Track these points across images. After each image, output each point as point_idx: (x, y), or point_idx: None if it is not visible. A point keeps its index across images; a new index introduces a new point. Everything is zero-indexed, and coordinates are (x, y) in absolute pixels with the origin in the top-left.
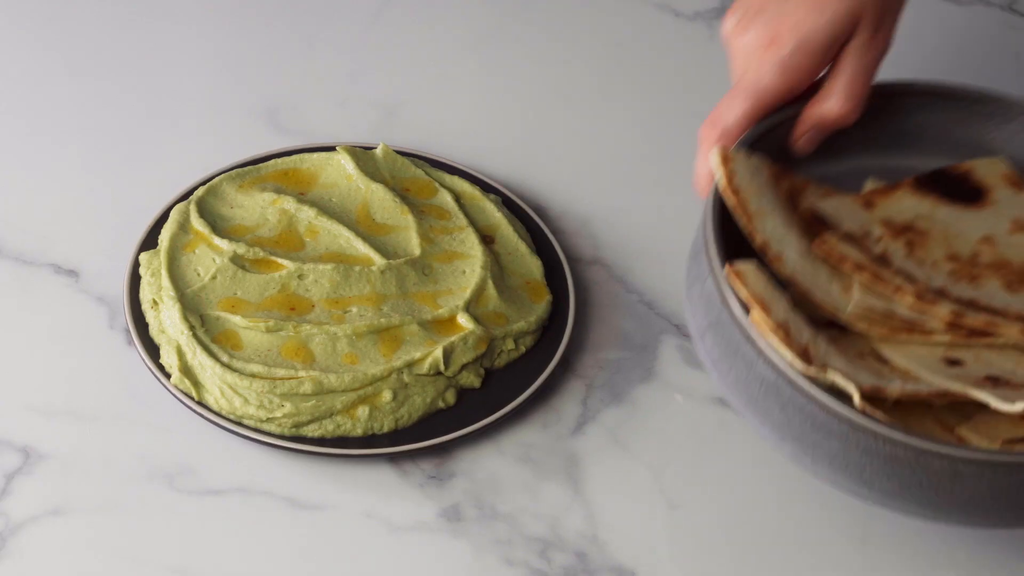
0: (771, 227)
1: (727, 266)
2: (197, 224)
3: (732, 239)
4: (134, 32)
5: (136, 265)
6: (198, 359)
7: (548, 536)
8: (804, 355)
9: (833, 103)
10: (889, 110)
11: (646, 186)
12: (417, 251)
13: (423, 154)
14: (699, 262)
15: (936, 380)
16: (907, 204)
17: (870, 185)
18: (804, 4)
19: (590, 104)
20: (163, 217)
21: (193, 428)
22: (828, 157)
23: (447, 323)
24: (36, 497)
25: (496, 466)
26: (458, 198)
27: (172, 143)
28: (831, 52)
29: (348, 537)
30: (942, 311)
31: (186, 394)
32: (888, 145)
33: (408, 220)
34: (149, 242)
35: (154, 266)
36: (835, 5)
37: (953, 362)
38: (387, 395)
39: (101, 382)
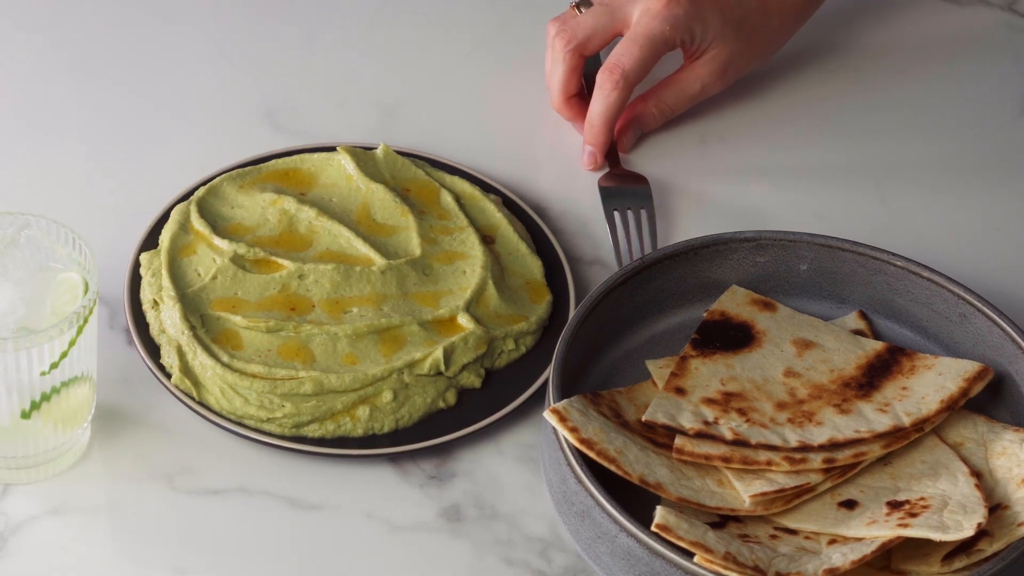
0: (634, 459)
1: (655, 524)
2: (197, 224)
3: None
4: (135, 33)
5: (136, 265)
6: (199, 359)
7: (548, 536)
8: (757, 571)
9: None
10: (635, 285)
11: None
12: (417, 251)
13: (423, 154)
14: (596, 520)
15: (870, 534)
16: (704, 373)
17: (656, 365)
18: None
19: None
20: (163, 217)
21: (193, 428)
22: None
23: (447, 323)
24: (36, 497)
25: (496, 466)
26: (458, 198)
27: (172, 143)
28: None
29: (348, 537)
30: (815, 464)
31: (186, 394)
32: (644, 316)
33: (408, 220)
34: (149, 242)
35: (155, 266)
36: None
37: (847, 504)
38: (387, 395)
39: (101, 382)
